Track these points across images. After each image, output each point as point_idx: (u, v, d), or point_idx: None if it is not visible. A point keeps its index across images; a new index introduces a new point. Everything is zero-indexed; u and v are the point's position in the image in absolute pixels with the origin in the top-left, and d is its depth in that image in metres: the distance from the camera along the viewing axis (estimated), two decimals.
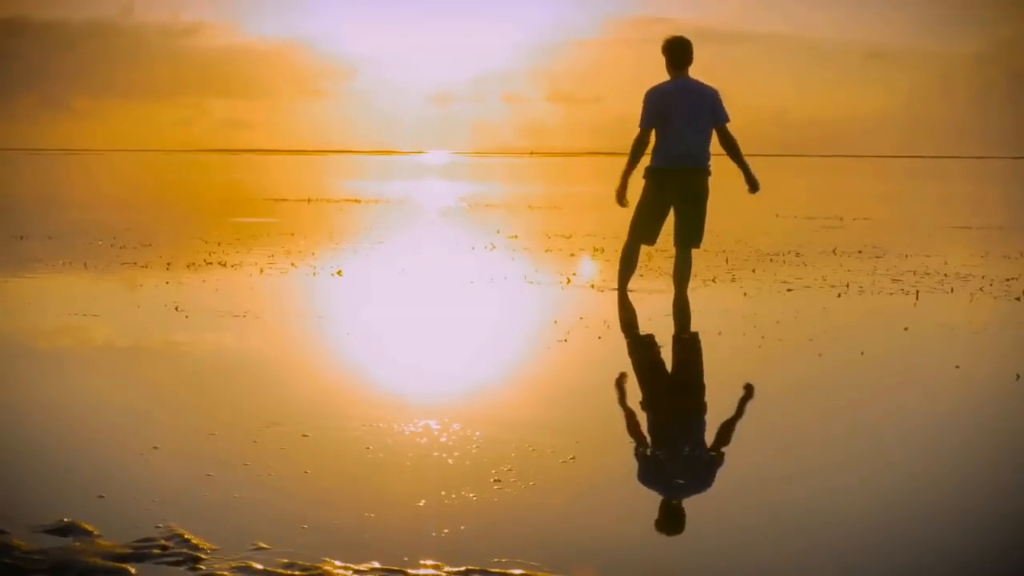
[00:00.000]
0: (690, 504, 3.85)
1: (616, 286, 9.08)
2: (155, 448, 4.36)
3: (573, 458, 4.29)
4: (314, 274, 10.28)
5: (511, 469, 4.11)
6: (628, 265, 9.01)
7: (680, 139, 8.57)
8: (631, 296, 8.90)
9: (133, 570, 3.15)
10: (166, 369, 6.18)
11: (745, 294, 9.17)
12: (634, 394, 5.69)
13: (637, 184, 8.79)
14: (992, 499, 3.95)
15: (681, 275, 8.72)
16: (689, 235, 8.64)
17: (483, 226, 17.48)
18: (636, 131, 8.67)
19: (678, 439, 4.77)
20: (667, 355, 6.46)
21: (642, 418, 5.12)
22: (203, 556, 3.24)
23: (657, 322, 7.63)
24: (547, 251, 12.97)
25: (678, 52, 8.70)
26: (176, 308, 8.06)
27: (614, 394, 5.67)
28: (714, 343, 6.89)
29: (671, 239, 8.72)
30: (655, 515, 3.73)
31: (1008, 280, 10.22)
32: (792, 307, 8.44)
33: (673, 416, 5.19)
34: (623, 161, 8.82)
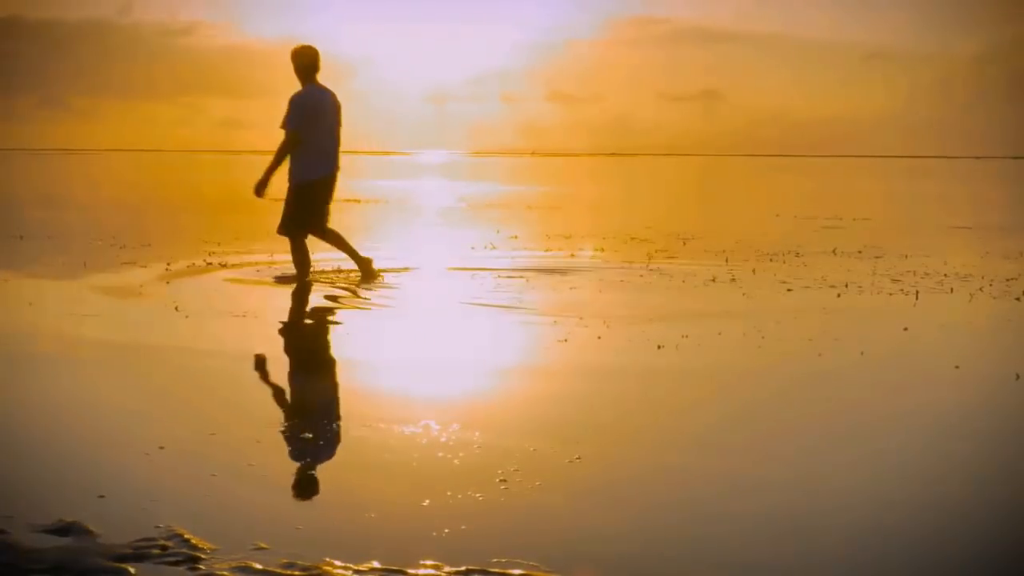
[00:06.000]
0: (691, 505, 3.84)
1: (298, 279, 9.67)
2: (157, 448, 4.35)
3: (578, 458, 4.29)
4: (314, 274, 10.27)
5: (517, 469, 4.10)
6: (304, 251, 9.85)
7: (329, 145, 9.61)
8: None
9: (133, 570, 3.14)
10: (165, 369, 6.17)
11: (745, 294, 9.17)
12: (635, 394, 5.68)
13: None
14: (992, 499, 3.95)
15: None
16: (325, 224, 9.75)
17: (483, 226, 17.48)
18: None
19: (679, 439, 4.76)
20: (667, 356, 6.45)
21: (643, 419, 5.12)
22: (203, 556, 3.23)
23: (657, 322, 7.63)
24: (547, 251, 12.98)
25: (316, 60, 9.62)
26: (176, 308, 8.06)
27: (615, 394, 5.67)
28: (714, 343, 6.89)
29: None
30: (657, 516, 3.72)
31: (1008, 280, 10.22)
32: (792, 307, 8.44)
33: (674, 416, 5.18)
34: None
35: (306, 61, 9.59)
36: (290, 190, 9.68)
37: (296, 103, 9.49)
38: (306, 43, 9.67)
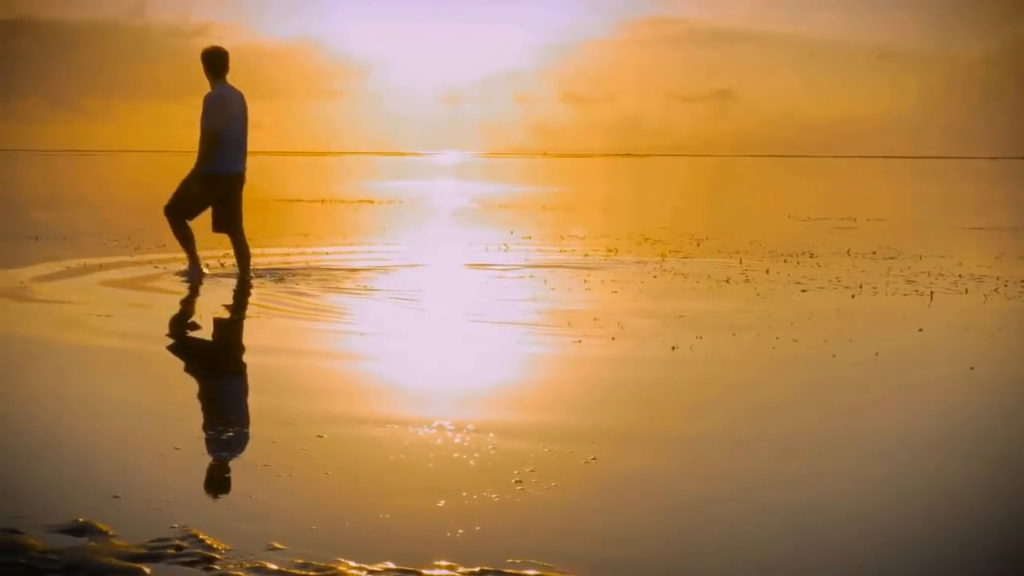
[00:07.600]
0: (706, 505, 3.83)
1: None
2: (172, 448, 4.36)
3: (594, 459, 4.28)
4: (326, 275, 10.28)
5: (533, 470, 4.10)
6: (188, 235, 10.00)
7: (239, 144, 9.82)
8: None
9: (148, 570, 3.14)
10: (176, 369, 6.19)
11: (759, 295, 9.15)
12: (649, 395, 5.67)
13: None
14: (1006, 501, 3.93)
15: (244, 254, 9.97)
16: (239, 222, 9.92)
17: (497, 226, 17.48)
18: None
19: (693, 440, 4.75)
20: (681, 356, 6.44)
21: (658, 419, 5.11)
22: (217, 556, 3.23)
23: (671, 323, 7.61)
24: (560, 252, 12.97)
25: (226, 61, 9.84)
26: (186, 309, 8.07)
27: (629, 395, 5.66)
28: (728, 344, 6.87)
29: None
30: (673, 517, 3.72)
31: (1023, 281, 10.18)
32: (806, 308, 8.42)
33: (688, 417, 5.17)
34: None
35: (217, 62, 9.86)
36: (193, 175, 9.84)
37: (212, 102, 9.73)
38: (216, 44, 10.00)
